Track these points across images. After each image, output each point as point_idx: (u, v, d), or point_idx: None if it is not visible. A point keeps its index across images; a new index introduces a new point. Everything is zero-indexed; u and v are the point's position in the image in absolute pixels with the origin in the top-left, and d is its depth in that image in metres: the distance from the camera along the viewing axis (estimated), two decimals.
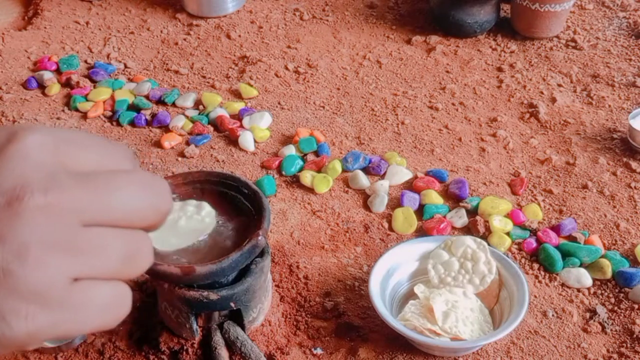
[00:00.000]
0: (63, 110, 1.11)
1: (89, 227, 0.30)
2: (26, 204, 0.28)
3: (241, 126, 1.05)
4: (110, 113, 1.10)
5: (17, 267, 0.28)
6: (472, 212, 0.90)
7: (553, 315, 0.78)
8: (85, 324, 0.30)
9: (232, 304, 0.68)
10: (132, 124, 1.08)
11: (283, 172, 0.97)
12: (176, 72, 1.19)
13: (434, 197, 0.92)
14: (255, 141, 1.03)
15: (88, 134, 0.33)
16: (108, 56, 1.23)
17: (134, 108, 1.10)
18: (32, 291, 0.28)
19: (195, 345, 0.72)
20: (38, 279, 0.28)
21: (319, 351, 0.75)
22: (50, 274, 0.29)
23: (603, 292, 0.81)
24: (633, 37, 1.23)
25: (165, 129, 1.06)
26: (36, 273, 0.28)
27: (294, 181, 0.97)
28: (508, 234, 0.87)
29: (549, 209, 0.91)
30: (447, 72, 1.17)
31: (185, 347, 0.72)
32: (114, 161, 0.32)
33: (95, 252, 0.30)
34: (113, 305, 0.31)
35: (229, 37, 1.27)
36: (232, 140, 1.04)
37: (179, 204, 0.69)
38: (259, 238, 0.65)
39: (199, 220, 0.68)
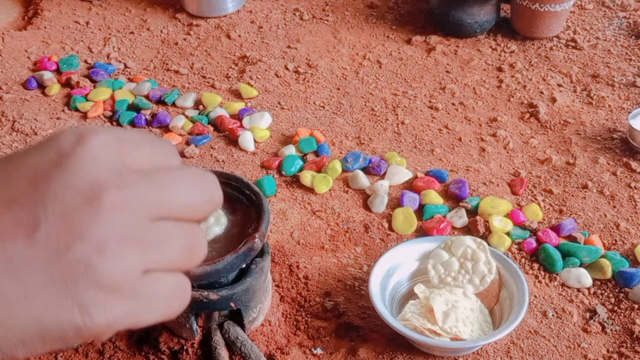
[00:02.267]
0: (63, 110, 1.11)
1: (156, 221, 0.32)
2: (103, 201, 0.30)
3: (241, 126, 1.05)
4: (110, 113, 1.10)
5: (98, 261, 0.30)
6: (472, 212, 0.90)
7: (553, 315, 0.78)
8: (155, 313, 0.32)
9: (232, 304, 0.68)
10: (132, 124, 1.08)
11: (283, 172, 0.97)
12: (176, 72, 1.19)
13: (434, 197, 0.92)
14: (255, 141, 1.03)
15: (138, 132, 0.35)
16: (108, 56, 1.23)
17: (134, 108, 1.10)
18: (111, 283, 0.30)
19: (195, 345, 0.72)
20: (116, 272, 0.30)
21: (319, 351, 0.75)
22: (126, 267, 0.31)
23: (603, 292, 0.81)
24: (633, 37, 1.23)
25: (165, 129, 1.06)
26: (114, 266, 0.30)
27: (294, 181, 0.97)
28: (508, 234, 0.87)
29: (549, 209, 0.91)
30: (447, 72, 1.17)
31: (185, 347, 0.72)
32: (164, 158, 0.34)
33: (163, 244, 0.32)
34: (177, 295, 0.33)
35: (229, 37, 1.27)
36: (232, 140, 1.04)
37: None
38: (255, 240, 0.65)
39: (214, 219, 0.68)
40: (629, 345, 0.75)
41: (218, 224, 0.68)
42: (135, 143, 0.33)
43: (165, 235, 0.32)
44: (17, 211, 0.30)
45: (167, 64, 1.21)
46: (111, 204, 0.30)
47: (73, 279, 0.29)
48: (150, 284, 0.32)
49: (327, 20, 1.31)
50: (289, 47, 1.24)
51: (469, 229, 0.89)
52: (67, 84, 1.16)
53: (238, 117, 1.08)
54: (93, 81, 1.17)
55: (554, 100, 1.09)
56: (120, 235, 0.30)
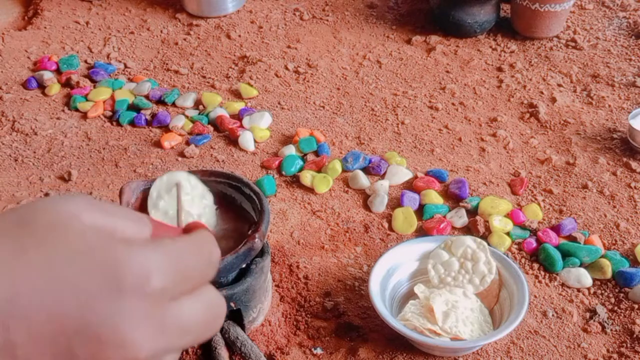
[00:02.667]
0: (63, 110, 1.11)
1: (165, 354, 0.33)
2: (136, 356, 0.31)
3: (241, 126, 1.05)
4: (110, 113, 1.10)
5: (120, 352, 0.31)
6: (472, 212, 0.90)
7: (553, 315, 0.78)
8: None
9: (232, 304, 0.68)
10: (132, 124, 1.08)
11: (283, 172, 0.97)
12: (176, 72, 1.19)
13: (434, 197, 0.92)
14: (255, 141, 1.03)
15: (193, 250, 0.36)
16: (108, 56, 1.23)
17: (134, 108, 1.10)
18: None
19: (195, 345, 0.72)
20: None
21: (319, 351, 0.75)
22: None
23: (603, 292, 0.81)
24: (633, 37, 1.23)
25: (165, 129, 1.06)
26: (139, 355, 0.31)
27: (294, 181, 0.97)
28: (508, 234, 0.87)
29: (549, 209, 0.91)
30: (447, 72, 1.17)
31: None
32: (202, 278, 0.36)
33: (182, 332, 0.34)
34: None
35: (229, 37, 1.27)
36: (232, 140, 1.04)
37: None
38: (255, 241, 0.65)
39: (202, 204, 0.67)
40: (629, 345, 0.75)
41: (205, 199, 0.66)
42: (187, 277, 0.34)
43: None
44: (57, 330, 0.30)
45: (167, 64, 1.21)
46: (142, 359, 0.31)
47: None
48: None
49: (327, 20, 1.31)
50: (289, 47, 1.24)
51: (469, 229, 0.89)
52: (67, 84, 1.16)
53: (238, 117, 1.08)
54: (93, 81, 1.17)
55: (554, 100, 1.09)
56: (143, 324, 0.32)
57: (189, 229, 0.39)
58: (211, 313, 0.36)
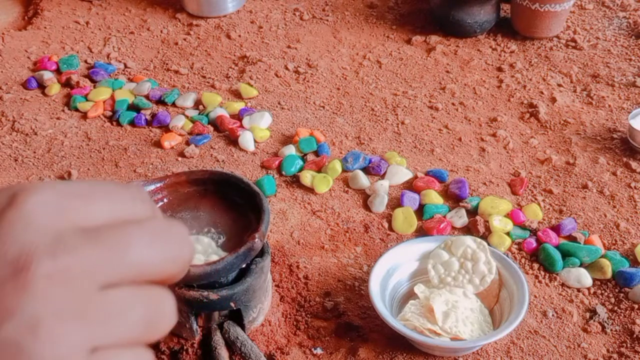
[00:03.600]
0: (63, 110, 1.11)
1: (105, 290, 0.27)
2: (33, 272, 0.26)
3: (241, 126, 1.05)
4: (110, 113, 1.10)
5: (30, 342, 0.26)
6: (472, 212, 0.90)
7: (553, 315, 0.78)
8: None
9: (232, 304, 0.68)
10: (132, 124, 1.08)
11: (283, 172, 0.97)
12: (176, 72, 1.19)
13: (434, 197, 0.92)
14: (255, 141, 1.03)
15: (95, 182, 0.30)
16: (108, 56, 1.23)
17: (134, 108, 1.10)
18: None
19: (195, 345, 0.72)
20: (52, 354, 0.26)
21: (319, 351, 0.75)
22: (67, 347, 0.26)
23: (603, 292, 0.81)
24: (633, 37, 1.23)
25: (165, 129, 1.06)
26: (50, 347, 0.26)
27: (294, 181, 0.97)
28: (508, 234, 0.87)
29: (549, 209, 0.91)
30: (447, 72, 1.17)
31: (185, 347, 0.72)
32: (126, 208, 0.29)
33: (114, 317, 0.27)
34: None
35: (229, 37, 1.27)
36: (232, 140, 1.04)
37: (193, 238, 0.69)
38: (255, 241, 0.65)
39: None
40: (629, 345, 0.75)
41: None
42: (87, 196, 0.28)
43: (116, 306, 0.27)
44: None
45: (167, 64, 1.21)
46: (44, 275, 0.26)
47: None
48: None
49: (327, 20, 1.31)
50: (289, 47, 1.24)
51: (469, 229, 0.89)
52: (67, 84, 1.16)
53: (238, 117, 1.08)
54: (93, 81, 1.17)
55: (554, 100, 1.09)
56: (57, 310, 0.26)
57: None
58: (155, 234, 0.29)
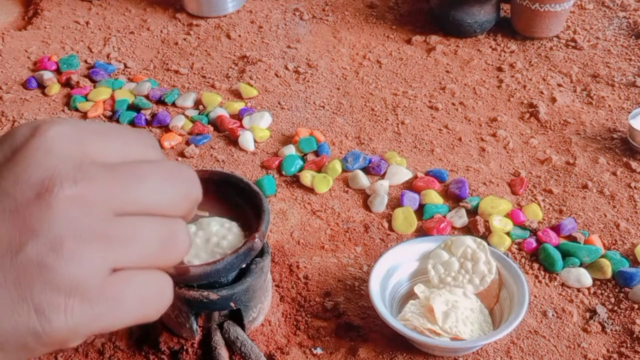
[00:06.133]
0: (63, 110, 1.11)
1: (121, 216, 0.29)
2: (56, 195, 0.27)
3: (241, 126, 1.05)
4: (110, 113, 1.10)
5: (53, 260, 0.27)
6: (472, 212, 0.90)
7: (553, 315, 0.78)
8: (126, 317, 0.29)
9: (232, 304, 0.68)
10: (132, 123, 1.08)
11: (283, 172, 0.97)
12: (176, 72, 1.19)
13: (434, 197, 0.92)
14: (255, 141, 1.03)
15: (111, 124, 0.32)
16: (108, 56, 1.23)
17: (134, 108, 1.10)
18: (70, 284, 0.27)
19: (195, 345, 0.72)
20: (75, 272, 0.27)
21: (319, 351, 0.75)
22: (87, 266, 0.28)
23: (603, 292, 0.81)
24: (633, 37, 1.23)
25: (165, 129, 1.06)
26: (72, 265, 0.27)
27: (294, 181, 0.97)
28: (508, 234, 0.87)
29: (549, 208, 0.91)
30: (447, 72, 1.17)
31: (185, 347, 0.72)
32: (138, 150, 0.31)
33: (131, 240, 0.29)
34: (154, 295, 0.30)
35: (229, 37, 1.27)
36: (232, 140, 1.04)
37: (207, 220, 0.69)
38: (256, 241, 0.65)
39: (228, 240, 0.68)
40: (629, 345, 0.75)
41: (231, 242, 0.68)
42: (104, 134, 0.30)
43: (134, 229, 0.29)
44: None
45: (167, 64, 1.21)
46: (66, 197, 0.27)
47: (27, 281, 0.27)
48: (118, 284, 0.29)
49: (327, 20, 1.31)
50: (289, 47, 1.24)
51: (469, 229, 0.89)
52: (67, 84, 1.16)
53: (238, 117, 1.08)
54: (93, 81, 1.17)
55: (554, 100, 1.09)
56: (78, 232, 0.28)
57: None
58: (166, 171, 0.31)
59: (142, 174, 0.30)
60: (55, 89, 1.15)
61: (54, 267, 0.27)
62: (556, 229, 0.87)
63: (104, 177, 0.28)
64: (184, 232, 0.31)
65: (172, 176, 0.31)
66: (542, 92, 1.12)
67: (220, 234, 0.68)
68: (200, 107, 1.11)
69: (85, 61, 1.23)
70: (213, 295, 0.67)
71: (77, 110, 1.11)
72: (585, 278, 0.81)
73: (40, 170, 0.27)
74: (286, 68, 1.19)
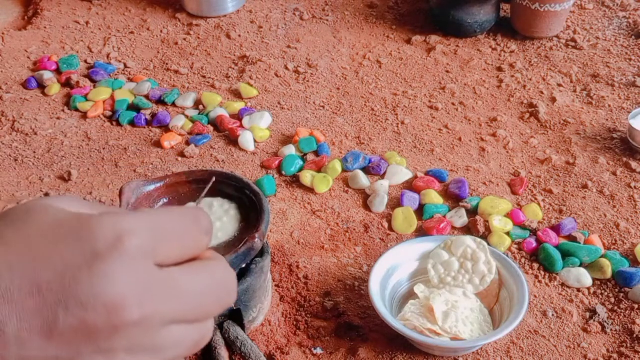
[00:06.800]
0: (63, 110, 1.11)
1: (169, 325, 0.33)
2: (123, 318, 0.31)
3: (241, 126, 1.05)
4: (110, 113, 1.10)
5: None
6: (472, 212, 0.90)
7: (553, 315, 0.78)
8: None
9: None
10: (132, 123, 1.08)
11: (283, 172, 0.97)
12: (176, 72, 1.19)
13: (434, 197, 0.92)
14: (255, 141, 1.03)
15: (176, 216, 0.35)
16: (108, 56, 1.23)
17: (134, 108, 1.10)
18: None
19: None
20: None
21: (319, 351, 0.75)
22: None
23: (603, 292, 0.81)
24: (633, 37, 1.23)
25: (165, 128, 1.06)
26: None
27: (294, 181, 0.97)
28: (508, 233, 0.87)
29: (549, 208, 0.91)
30: (447, 72, 1.17)
31: None
32: (196, 246, 0.35)
33: (172, 348, 0.33)
34: None
35: (229, 37, 1.27)
36: (232, 140, 1.04)
37: (209, 200, 0.70)
38: (255, 241, 0.65)
39: (223, 221, 0.68)
40: (629, 345, 0.75)
41: (228, 224, 0.69)
42: (169, 237, 0.34)
43: (176, 338, 0.33)
44: (39, 302, 0.30)
45: (167, 64, 1.21)
46: (131, 322, 0.31)
47: None
48: None
49: (327, 20, 1.31)
50: (289, 47, 1.24)
51: (469, 229, 0.89)
52: (67, 83, 1.16)
53: (238, 117, 1.08)
54: (93, 81, 1.17)
55: (554, 100, 1.09)
56: (132, 346, 0.32)
57: None
58: (211, 281, 0.35)
59: (196, 289, 0.34)
60: (55, 89, 1.15)
61: None
62: (556, 229, 0.87)
63: (165, 297, 0.32)
64: (212, 329, 0.36)
65: (219, 290, 0.35)
66: (542, 92, 1.12)
67: (217, 215, 0.68)
68: (200, 107, 1.11)
69: (85, 61, 1.23)
70: None
71: (77, 110, 1.11)
72: (585, 278, 0.81)
73: (115, 290, 0.31)
74: (286, 68, 1.19)
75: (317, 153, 1.00)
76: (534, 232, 0.87)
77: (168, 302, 0.33)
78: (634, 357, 0.73)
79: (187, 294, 0.33)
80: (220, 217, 0.68)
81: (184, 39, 1.27)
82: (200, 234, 0.36)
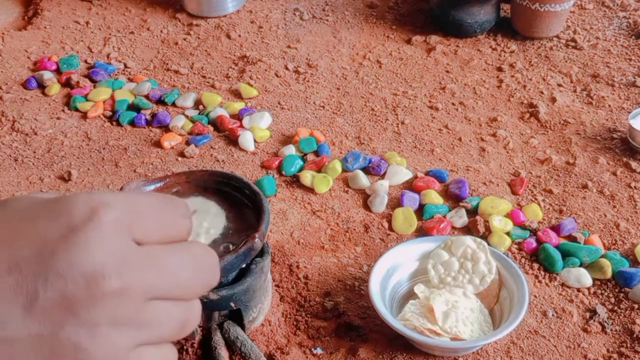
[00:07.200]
0: (63, 110, 1.11)
1: (151, 300, 0.33)
2: (102, 288, 0.31)
3: (241, 126, 1.05)
4: (110, 113, 1.10)
5: (88, 342, 0.31)
6: (472, 212, 0.90)
7: (553, 315, 0.78)
8: None
9: (232, 304, 0.68)
10: (132, 123, 1.08)
11: (283, 172, 0.97)
12: (176, 72, 1.19)
13: (434, 197, 0.92)
14: (255, 141, 1.03)
15: (153, 197, 0.36)
16: (108, 56, 1.23)
17: (134, 108, 1.10)
18: None
19: (195, 345, 0.72)
20: (104, 352, 0.31)
21: (319, 351, 0.75)
22: (116, 347, 0.32)
23: (603, 292, 0.81)
24: (633, 37, 1.23)
25: (165, 128, 1.06)
26: (103, 347, 0.31)
27: (294, 181, 0.97)
28: (508, 233, 0.87)
29: (549, 208, 0.91)
30: (447, 72, 1.17)
31: (185, 347, 0.72)
32: (173, 227, 0.35)
33: (156, 324, 0.33)
34: None
35: (229, 37, 1.27)
36: (232, 140, 1.04)
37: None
38: (255, 241, 0.65)
39: (209, 220, 0.68)
40: (629, 345, 0.75)
41: (213, 227, 0.69)
42: (146, 215, 0.34)
43: (159, 314, 0.33)
44: (18, 278, 0.30)
45: (167, 64, 1.21)
46: (110, 291, 0.31)
47: (60, 357, 0.31)
48: (137, 358, 0.33)
49: (327, 20, 1.31)
50: (289, 47, 1.24)
51: (469, 229, 0.89)
52: (67, 83, 1.16)
53: (238, 117, 1.08)
54: (93, 81, 1.17)
55: (554, 100, 1.09)
56: (114, 318, 0.31)
57: None
58: (191, 258, 0.35)
59: (176, 264, 0.34)
60: (55, 89, 1.15)
61: (87, 348, 0.31)
62: (556, 229, 0.87)
63: (144, 269, 0.32)
64: (198, 313, 0.36)
65: (199, 267, 0.35)
66: (542, 92, 1.12)
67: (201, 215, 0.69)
68: (200, 107, 1.11)
69: (85, 61, 1.23)
70: (213, 295, 0.67)
71: (77, 110, 1.11)
72: (585, 278, 0.81)
73: (92, 259, 0.31)
74: (286, 68, 1.19)
75: (317, 153, 1.00)
76: (534, 232, 0.87)
77: (148, 275, 0.32)
78: (634, 357, 0.73)
79: (167, 268, 0.33)
80: (205, 218, 0.69)
81: (184, 39, 1.27)
82: (178, 215, 0.36)
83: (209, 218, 0.69)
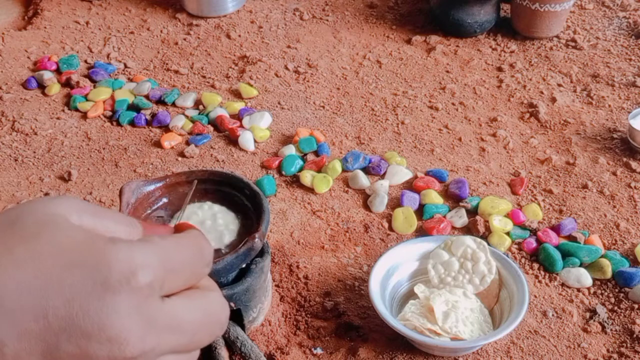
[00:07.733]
0: (63, 110, 1.11)
1: (164, 355, 0.34)
2: (124, 352, 0.31)
3: (241, 126, 1.05)
4: (110, 113, 1.10)
5: None
6: (472, 212, 0.90)
7: (553, 315, 0.78)
8: None
9: (232, 304, 0.68)
10: (132, 123, 1.08)
11: (283, 172, 0.97)
12: (176, 72, 1.19)
13: (434, 197, 0.92)
14: (255, 141, 1.03)
15: (187, 250, 0.36)
16: (108, 56, 1.23)
17: (134, 108, 1.10)
18: None
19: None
20: None
21: (319, 351, 0.75)
22: None
23: (603, 292, 0.81)
24: (633, 37, 1.23)
25: (165, 129, 1.06)
26: None
27: (294, 181, 0.97)
28: (508, 233, 0.87)
29: (549, 208, 0.91)
30: (447, 72, 1.17)
31: None
32: (198, 278, 0.37)
33: None
34: None
35: (229, 37, 1.27)
36: (232, 140, 1.04)
37: (203, 205, 0.70)
38: (255, 241, 0.65)
39: (222, 225, 0.68)
40: (629, 345, 0.75)
41: (226, 228, 0.69)
42: (178, 273, 0.35)
43: None
44: (43, 328, 0.30)
45: (167, 64, 1.21)
46: (130, 356, 0.31)
47: None
48: None
49: (327, 20, 1.31)
50: (289, 47, 1.24)
51: (469, 229, 0.89)
52: (67, 83, 1.16)
53: (238, 117, 1.08)
54: (93, 81, 1.17)
55: (554, 100, 1.09)
56: None
57: (179, 229, 0.39)
58: (207, 314, 0.36)
59: (195, 323, 0.35)
60: (55, 89, 1.15)
61: None
62: (556, 229, 0.87)
63: (166, 332, 0.33)
64: (196, 358, 0.37)
65: (213, 322, 0.36)
66: (542, 92, 1.12)
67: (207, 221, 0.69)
68: (200, 107, 1.11)
69: (85, 61, 1.23)
70: None
71: (77, 110, 1.11)
72: (585, 278, 0.81)
73: (121, 325, 0.31)
74: (286, 68, 1.19)
75: (317, 153, 1.00)
76: (534, 232, 0.87)
77: (168, 336, 0.33)
78: (634, 357, 0.73)
79: (186, 326, 0.34)
80: (216, 216, 0.69)
81: (184, 39, 1.27)
82: (203, 266, 0.37)
83: (220, 215, 0.69)
